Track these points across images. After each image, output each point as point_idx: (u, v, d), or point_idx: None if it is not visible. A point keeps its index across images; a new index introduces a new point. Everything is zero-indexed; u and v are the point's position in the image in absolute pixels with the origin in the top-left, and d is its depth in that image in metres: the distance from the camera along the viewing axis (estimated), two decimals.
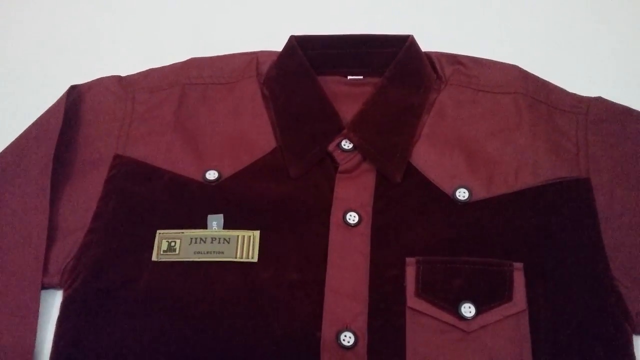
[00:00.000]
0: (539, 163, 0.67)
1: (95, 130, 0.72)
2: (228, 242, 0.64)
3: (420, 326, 0.59)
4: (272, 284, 0.62)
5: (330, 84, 0.72)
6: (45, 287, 0.63)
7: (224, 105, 0.72)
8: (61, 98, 0.73)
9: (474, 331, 0.58)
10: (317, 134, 0.68)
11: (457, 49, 0.75)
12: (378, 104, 0.68)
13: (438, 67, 0.73)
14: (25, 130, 0.72)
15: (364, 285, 0.61)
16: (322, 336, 0.59)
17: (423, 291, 0.60)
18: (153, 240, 0.64)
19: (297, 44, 0.71)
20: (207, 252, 0.63)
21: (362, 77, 0.74)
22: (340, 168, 0.67)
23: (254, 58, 0.75)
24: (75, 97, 0.74)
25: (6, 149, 0.71)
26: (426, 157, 0.68)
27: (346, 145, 0.67)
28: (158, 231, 0.65)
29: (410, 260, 0.62)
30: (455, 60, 0.74)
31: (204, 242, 0.64)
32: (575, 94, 0.72)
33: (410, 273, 0.61)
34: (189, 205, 0.66)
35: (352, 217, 0.64)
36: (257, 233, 0.64)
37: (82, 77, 0.76)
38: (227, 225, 0.65)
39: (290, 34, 0.72)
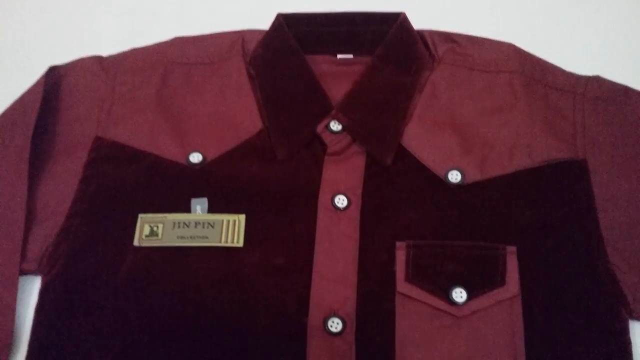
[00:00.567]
0: (535, 144, 0.65)
1: (75, 112, 0.69)
2: (212, 227, 0.62)
3: (410, 312, 0.57)
4: (257, 269, 0.60)
5: (319, 63, 0.71)
6: (23, 273, 0.61)
7: (209, 86, 0.70)
8: (40, 79, 0.70)
9: (465, 317, 0.57)
10: (305, 115, 0.66)
11: (451, 26, 0.73)
12: (368, 84, 0.67)
13: (431, 45, 0.71)
14: (2, 113, 0.70)
15: (352, 270, 0.59)
16: (309, 322, 0.57)
17: (413, 276, 0.59)
18: (135, 224, 0.62)
19: (285, 22, 0.70)
20: (191, 237, 0.61)
21: (352, 56, 0.72)
22: (329, 150, 0.65)
23: (239, 37, 0.73)
24: (54, 78, 0.71)
25: None
26: (418, 138, 0.66)
27: (335, 126, 0.65)
28: (140, 215, 0.63)
29: (400, 244, 0.60)
30: (449, 38, 0.72)
31: (188, 226, 0.62)
32: (572, 73, 0.70)
33: (400, 257, 0.60)
34: (171, 188, 0.64)
35: (341, 201, 0.62)
36: (242, 217, 0.62)
37: (62, 58, 0.74)
38: (211, 209, 0.63)
39: (278, 12, 0.70)
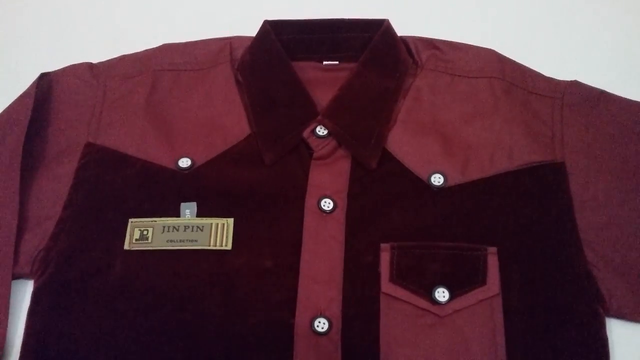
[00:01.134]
0: (515, 147, 0.67)
1: (66, 119, 0.70)
2: (201, 230, 0.63)
3: (395, 311, 0.59)
4: (246, 271, 0.61)
5: (305, 69, 0.72)
6: (16, 277, 0.63)
7: (197, 92, 0.71)
8: (31, 86, 0.71)
9: (447, 315, 0.59)
10: (291, 120, 0.67)
11: (433, 33, 0.74)
12: (353, 90, 0.68)
13: (414, 51, 0.73)
14: None
15: (338, 271, 0.61)
16: (295, 323, 0.59)
17: (397, 277, 0.60)
18: (125, 229, 0.64)
19: (271, 28, 0.71)
20: (180, 241, 0.63)
21: (337, 62, 0.73)
22: (315, 154, 0.66)
23: (227, 44, 0.74)
24: (45, 85, 0.72)
25: None
26: (401, 142, 0.67)
27: (321, 131, 0.67)
28: (130, 220, 0.64)
29: (384, 246, 0.62)
30: (432, 44, 0.73)
31: (177, 230, 0.63)
32: (551, 78, 0.72)
33: (385, 259, 0.61)
34: (161, 193, 0.66)
35: (327, 204, 0.64)
36: (230, 220, 0.64)
37: (52, 65, 0.75)
38: (200, 213, 0.64)
39: (265, 19, 0.72)
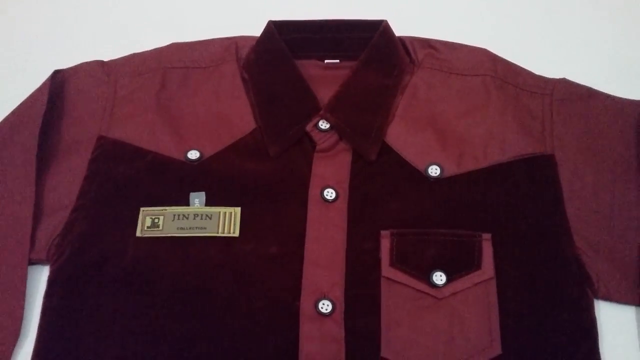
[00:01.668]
0: (507, 140, 0.70)
1: (79, 113, 0.73)
2: (210, 218, 0.66)
3: (394, 294, 0.62)
4: (253, 257, 0.64)
5: (308, 67, 0.75)
6: (32, 262, 0.65)
7: (205, 88, 0.74)
8: (45, 82, 0.74)
9: (444, 298, 0.61)
10: (295, 114, 0.70)
11: (429, 33, 0.78)
12: (354, 86, 0.71)
13: (411, 51, 0.76)
14: (10, 113, 0.74)
15: (340, 256, 0.64)
16: (301, 305, 0.61)
17: (397, 261, 0.63)
18: (137, 217, 0.66)
19: (275, 28, 0.74)
20: (190, 228, 0.66)
21: (338, 60, 0.76)
22: (318, 147, 0.69)
23: (233, 43, 0.77)
24: (58, 81, 0.75)
25: None
26: (400, 136, 0.71)
27: (323, 125, 0.70)
28: (141, 208, 0.67)
29: (385, 233, 0.65)
30: (428, 44, 0.76)
31: (187, 218, 0.66)
32: (541, 76, 0.75)
33: (385, 245, 0.64)
34: (171, 183, 0.68)
35: (330, 193, 0.67)
36: (237, 209, 0.67)
37: (65, 63, 0.78)
38: (208, 203, 0.67)
39: (269, 19, 0.75)
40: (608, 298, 0.63)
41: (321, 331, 0.60)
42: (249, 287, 0.63)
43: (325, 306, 0.61)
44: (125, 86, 0.75)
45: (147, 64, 0.76)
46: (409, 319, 0.61)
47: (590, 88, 0.74)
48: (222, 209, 0.67)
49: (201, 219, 0.66)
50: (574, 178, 0.68)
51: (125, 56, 0.78)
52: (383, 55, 0.73)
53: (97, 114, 0.73)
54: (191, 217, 0.66)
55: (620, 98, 0.73)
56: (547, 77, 0.75)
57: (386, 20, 0.75)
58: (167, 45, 0.78)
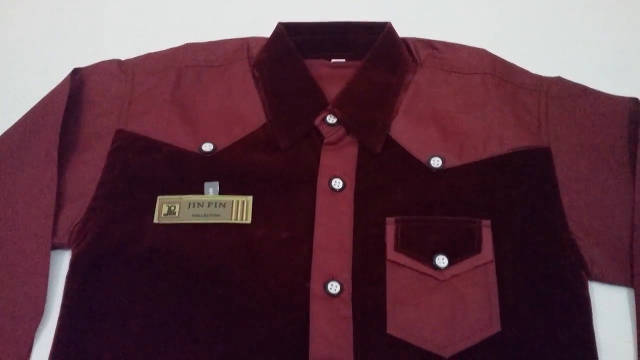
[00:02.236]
0: (505, 134, 0.73)
1: (98, 108, 0.77)
2: (224, 206, 0.70)
3: (399, 276, 0.65)
4: (265, 242, 0.67)
5: (315, 66, 0.78)
6: (54, 247, 0.69)
7: (218, 86, 0.78)
8: (65, 79, 0.78)
9: (446, 279, 0.65)
10: (304, 110, 0.74)
11: (431, 34, 0.81)
12: (359, 84, 0.75)
13: (414, 51, 0.80)
14: (33, 107, 0.77)
15: (348, 242, 0.67)
16: (311, 286, 0.64)
17: (401, 246, 0.66)
18: (154, 205, 0.70)
19: (285, 29, 0.77)
20: (205, 215, 0.69)
21: (344, 60, 0.79)
22: (326, 140, 0.73)
23: (244, 43, 0.81)
24: (78, 78, 0.79)
25: (16, 123, 0.76)
26: (403, 130, 0.74)
27: (331, 119, 0.73)
28: (158, 197, 0.70)
29: (389, 219, 0.68)
30: (429, 45, 0.80)
31: (202, 206, 0.70)
32: (537, 75, 0.78)
33: (390, 231, 0.67)
34: (186, 174, 0.72)
35: (337, 183, 0.70)
36: (250, 198, 0.70)
37: (83, 62, 0.81)
38: (222, 192, 0.71)
39: (278, 21, 0.78)
40: (601, 279, 0.66)
41: (330, 310, 0.63)
42: (262, 269, 0.66)
43: (333, 287, 0.64)
44: (141, 83, 0.78)
45: (162, 63, 0.80)
46: (413, 299, 0.64)
47: (584, 86, 0.78)
48: (235, 198, 0.70)
49: (215, 206, 0.70)
50: (568, 169, 0.71)
51: (141, 56, 0.82)
52: (387, 55, 0.77)
53: (115, 109, 0.77)
54: (206, 205, 0.70)
55: (612, 95, 0.77)
56: (542, 76, 0.78)
57: (390, 23, 0.78)
58: (181, 46, 0.82)
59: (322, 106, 0.74)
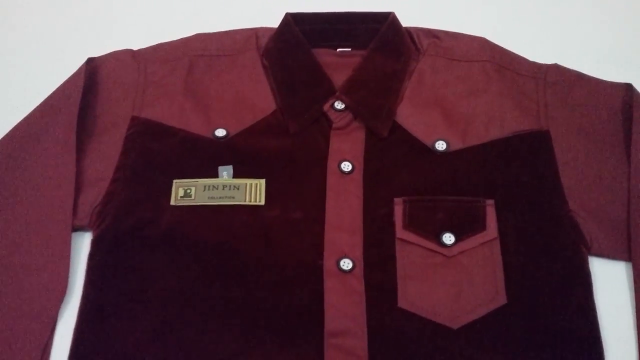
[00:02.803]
0: (506, 119, 0.76)
1: (113, 96, 0.79)
2: (238, 189, 0.72)
3: (408, 252, 0.68)
4: (278, 222, 0.70)
5: (322, 55, 0.80)
6: (75, 229, 0.71)
7: (229, 74, 0.80)
8: (80, 68, 0.80)
9: (453, 256, 0.68)
10: (312, 96, 0.77)
11: (433, 24, 0.84)
12: (365, 71, 0.77)
13: (416, 40, 0.82)
14: (50, 95, 0.79)
15: (358, 221, 0.70)
16: (324, 263, 0.67)
17: (410, 224, 0.69)
18: (170, 188, 0.72)
19: (292, 20, 0.80)
20: (220, 197, 0.72)
21: (350, 49, 0.82)
22: (334, 125, 0.76)
23: (253, 33, 0.83)
24: (92, 67, 0.81)
25: (34, 110, 0.78)
26: (408, 115, 0.77)
27: (339, 105, 0.76)
28: (174, 180, 0.73)
29: (397, 200, 0.71)
30: (431, 34, 0.83)
31: (216, 188, 0.72)
32: (534, 62, 0.82)
33: (398, 210, 0.70)
34: (201, 158, 0.74)
35: (346, 166, 0.73)
36: (262, 181, 0.73)
37: (96, 52, 0.83)
38: (235, 175, 0.73)
39: (286, 12, 0.81)
40: (600, 254, 0.70)
41: (344, 286, 0.66)
42: (276, 248, 0.68)
43: (346, 264, 0.67)
44: (154, 72, 0.81)
45: (175, 52, 0.82)
46: (422, 274, 0.67)
47: (579, 72, 0.81)
48: (248, 181, 0.73)
49: (229, 189, 0.72)
50: (567, 150, 0.74)
51: (153, 45, 0.84)
52: (391, 44, 0.79)
53: (130, 96, 0.79)
54: (220, 187, 0.72)
55: (607, 81, 0.81)
56: (540, 63, 0.81)
57: (394, 13, 0.81)
58: (192, 36, 0.84)
59: (330, 93, 0.77)
